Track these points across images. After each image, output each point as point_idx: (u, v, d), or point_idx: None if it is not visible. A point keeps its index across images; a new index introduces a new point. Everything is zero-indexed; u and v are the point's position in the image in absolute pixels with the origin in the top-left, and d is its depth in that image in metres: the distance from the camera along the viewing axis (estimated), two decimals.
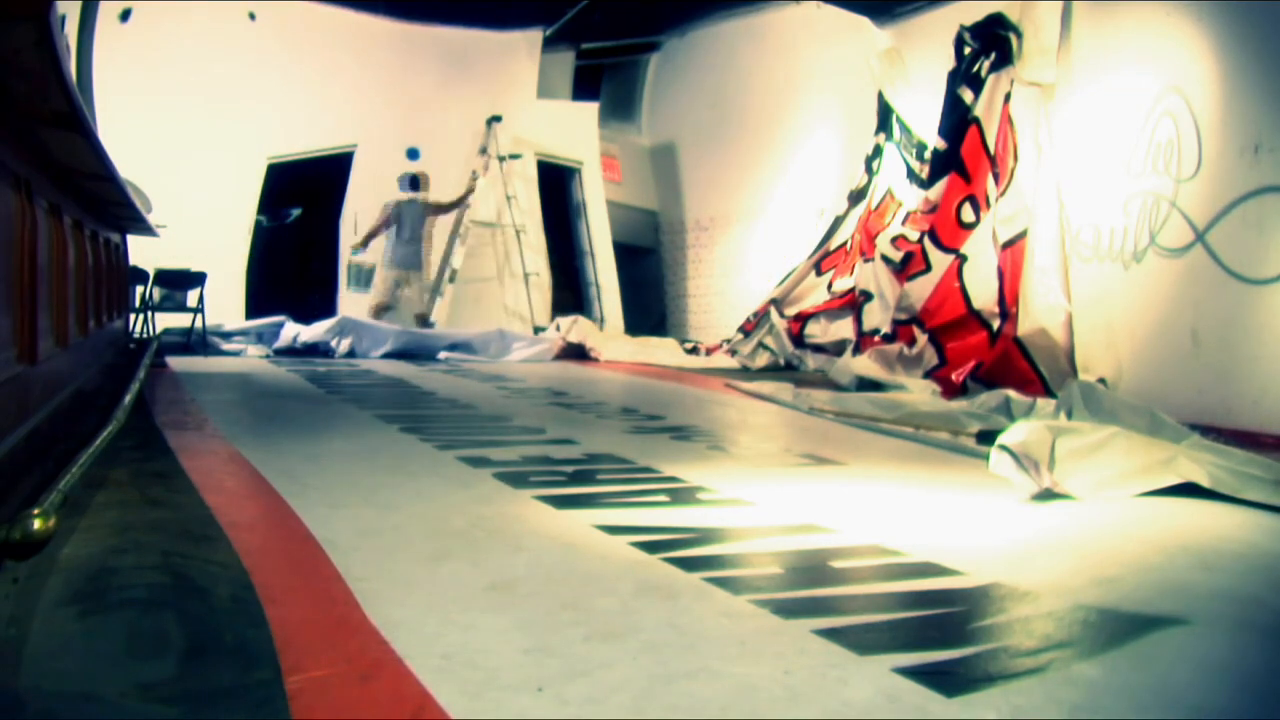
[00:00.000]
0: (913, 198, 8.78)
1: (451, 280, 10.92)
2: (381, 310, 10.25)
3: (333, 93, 10.80)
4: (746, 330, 10.27)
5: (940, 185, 7.93)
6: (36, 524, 2.11)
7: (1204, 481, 3.53)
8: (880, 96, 9.44)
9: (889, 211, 9.19)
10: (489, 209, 11.37)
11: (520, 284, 11.39)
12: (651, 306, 13.36)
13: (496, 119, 11.26)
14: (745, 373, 8.87)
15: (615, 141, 13.19)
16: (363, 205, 10.86)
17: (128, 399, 4.70)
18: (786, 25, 11.40)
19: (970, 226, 7.48)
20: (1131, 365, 6.22)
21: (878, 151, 9.56)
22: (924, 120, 8.67)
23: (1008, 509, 3.34)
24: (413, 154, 11.15)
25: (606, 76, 13.96)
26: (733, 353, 10.01)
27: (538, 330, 10.83)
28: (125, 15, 9.76)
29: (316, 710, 1.53)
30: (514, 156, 11.42)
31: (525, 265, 11.34)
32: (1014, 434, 3.61)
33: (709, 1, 12.18)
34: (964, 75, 7.79)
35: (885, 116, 9.44)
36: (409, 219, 10.32)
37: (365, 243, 10.37)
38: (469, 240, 11.08)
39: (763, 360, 9.44)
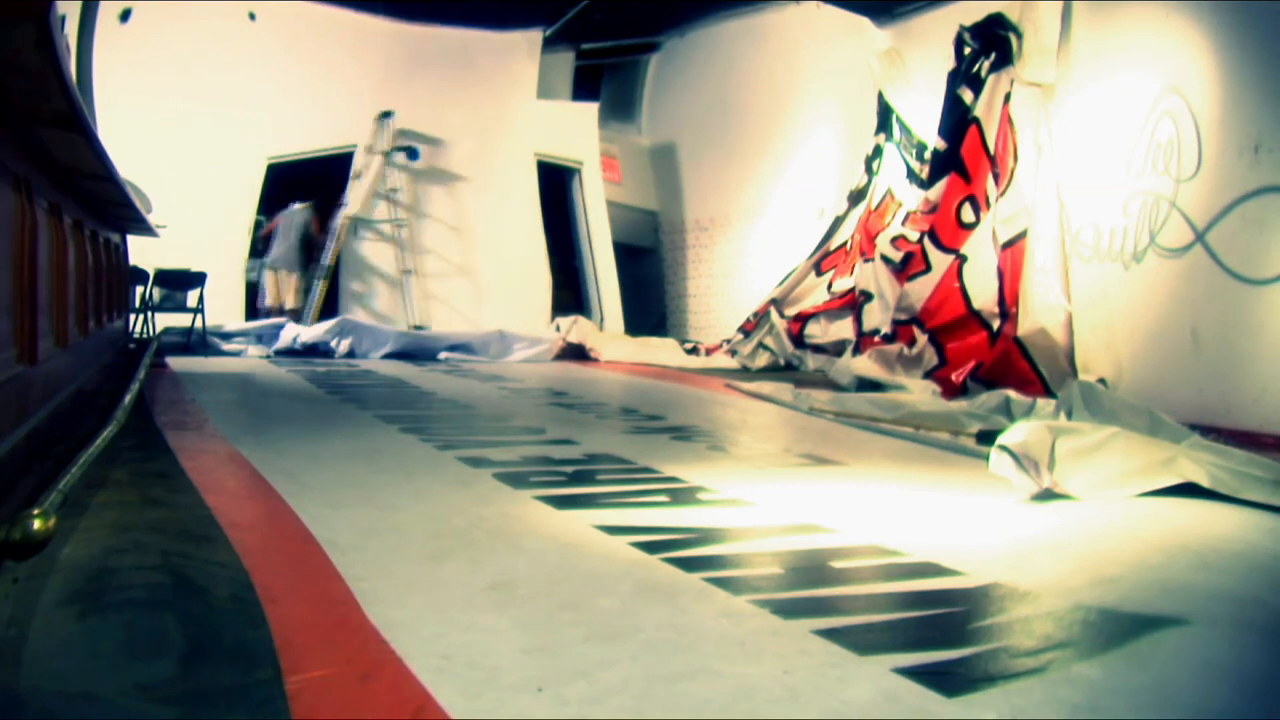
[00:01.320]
0: (913, 198, 8.78)
1: (324, 277, 10.63)
2: (276, 311, 10.55)
3: (333, 93, 10.80)
4: (746, 330, 10.27)
5: (940, 185, 7.93)
6: (36, 524, 2.10)
7: (1204, 481, 3.53)
8: (880, 96, 9.43)
9: (889, 211, 9.19)
10: (378, 207, 11.07)
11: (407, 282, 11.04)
12: (651, 306, 13.36)
13: (388, 115, 11.04)
14: (745, 373, 8.87)
15: (615, 141, 13.18)
16: (362, 205, 10.87)
17: (128, 399, 4.70)
18: (786, 25, 11.39)
19: (970, 227, 7.48)
20: (1131, 365, 6.22)
21: (878, 151, 9.56)
22: (924, 120, 8.67)
23: (1008, 509, 3.34)
24: (413, 154, 11.15)
25: (606, 76, 13.95)
26: (733, 353, 10.01)
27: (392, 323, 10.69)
28: (125, 15, 9.76)
29: (316, 710, 1.53)
30: (403, 150, 11.14)
31: (405, 263, 11.00)
32: (1014, 434, 3.61)
33: (709, 1, 12.17)
34: (964, 75, 7.79)
35: (885, 116, 9.44)
36: (292, 223, 10.70)
37: (265, 241, 10.80)
38: (344, 239, 10.83)
39: (763, 360, 9.44)
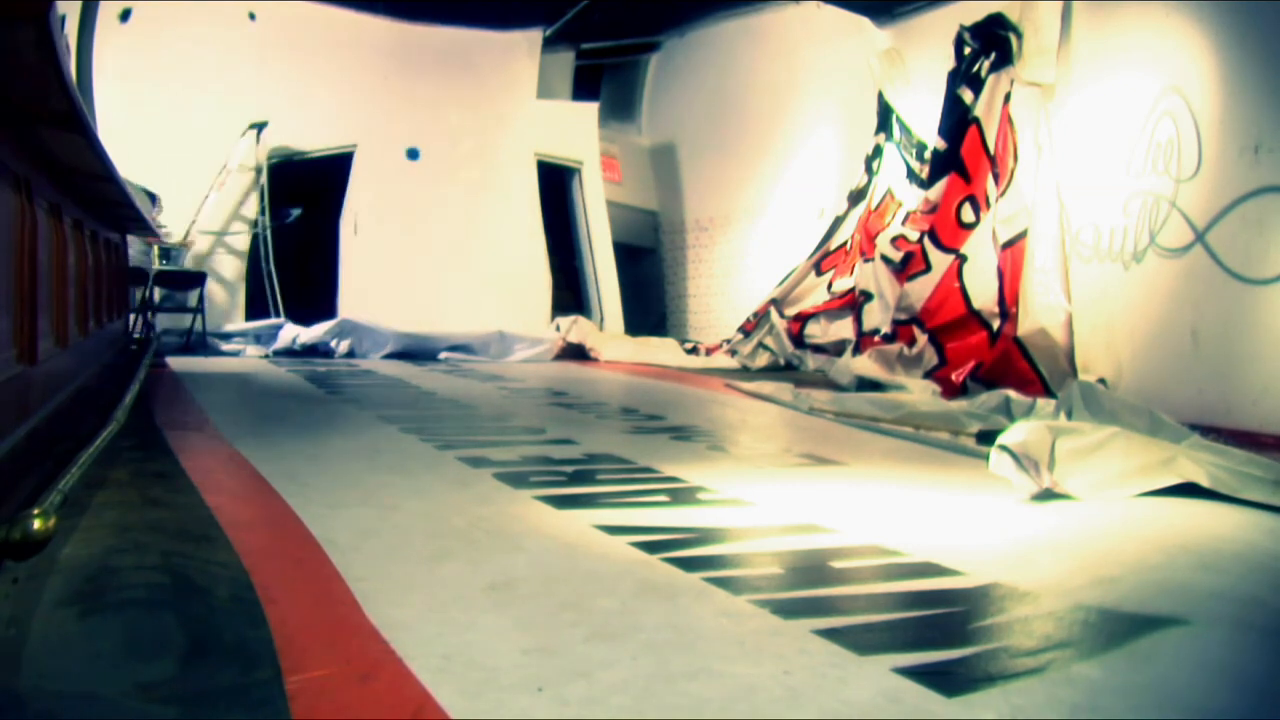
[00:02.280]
0: (913, 198, 8.78)
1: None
2: None
3: (333, 93, 10.79)
4: (746, 330, 10.27)
5: (940, 185, 7.93)
6: (36, 524, 2.10)
7: (1204, 481, 3.53)
8: (880, 96, 9.43)
9: (889, 211, 9.19)
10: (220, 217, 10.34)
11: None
12: (651, 306, 13.35)
13: (262, 125, 10.36)
14: (745, 373, 8.87)
15: (615, 141, 13.17)
16: (363, 205, 10.87)
17: (128, 399, 4.70)
18: (786, 25, 11.39)
19: (970, 226, 7.48)
20: (1131, 365, 6.22)
21: (878, 151, 9.56)
22: (924, 120, 8.67)
23: (1008, 509, 3.34)
24: (412, 154, 11.15)
25: (606, 76, 13.95)
26: (733, 353, 10.01)
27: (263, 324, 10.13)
28: (125, 15, 9.75)
29: (316, 710, 1.53)
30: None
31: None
32: (1014, 434, 3.61)
33: (709, 1, 12.17)
34: (964, 75, 7.79)
35: (885, 116, 9.44)
36: None
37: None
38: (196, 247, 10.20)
39: (763, 360, 9.44)
